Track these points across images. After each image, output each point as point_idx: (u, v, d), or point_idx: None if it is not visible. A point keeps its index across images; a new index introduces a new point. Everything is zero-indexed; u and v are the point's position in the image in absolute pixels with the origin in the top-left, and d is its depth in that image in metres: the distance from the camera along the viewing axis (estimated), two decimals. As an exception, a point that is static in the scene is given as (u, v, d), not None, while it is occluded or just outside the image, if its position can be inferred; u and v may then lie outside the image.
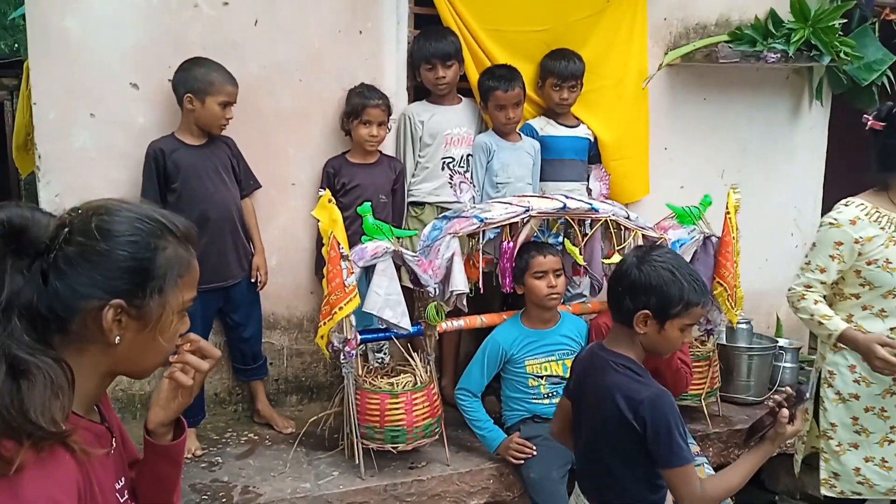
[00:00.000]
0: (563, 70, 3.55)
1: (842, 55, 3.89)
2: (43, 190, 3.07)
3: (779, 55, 3.85)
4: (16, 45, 8.49)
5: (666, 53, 3.99)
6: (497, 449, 3.09)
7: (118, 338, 1.19)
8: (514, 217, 3.04)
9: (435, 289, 3.01)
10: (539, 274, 3.06)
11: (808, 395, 2.13)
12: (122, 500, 1.30)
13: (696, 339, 3.56)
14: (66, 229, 1.16)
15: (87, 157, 3.10)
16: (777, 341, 4.09)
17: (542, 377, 3.12)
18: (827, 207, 4.70)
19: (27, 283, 1.12)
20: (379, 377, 3.12)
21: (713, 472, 2.90)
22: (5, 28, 8.75)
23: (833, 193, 4.84)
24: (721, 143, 4.27)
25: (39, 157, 3.05)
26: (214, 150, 3.15)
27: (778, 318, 4.56)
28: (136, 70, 3.11)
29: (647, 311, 1.96)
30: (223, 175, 3.15)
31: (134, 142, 3.09)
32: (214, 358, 1.36)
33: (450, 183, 3.21)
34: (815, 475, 2.89)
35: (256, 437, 3.35)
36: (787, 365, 4.06)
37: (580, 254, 3.19)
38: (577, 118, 3.75)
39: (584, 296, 3.79)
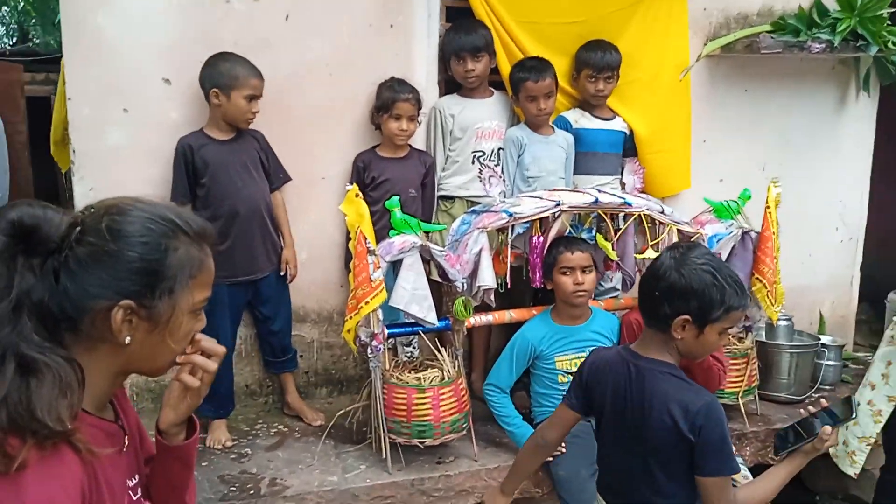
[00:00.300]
0: (598, 61, 3.49)
1: (890, 45, 3.74)
2: (77, 185, 3.13)
3: (823, 45, 3.72)
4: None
5: (705, 44, 3.89)
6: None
7: (128, 338, 1.19)
8: (544, 212, 3.00)
9: (463, 284, 2.98)
10: (566, 270, 3.02)
11: (854, 415, 2.03)
12: (134, 498, 1.31)
13: (733, 336, 3.48)
14: (78, 228, 1.17)
15: (121, 153, 3.15)
16: (819, 338, 3.97)
17: (571, 373, 3.06)
18: (874, 202, 4.60)
19: (38, 281, 1.13)
20: (407, 371, 3.12)
21: (749, 474, 2.83)
22: (54, 25, 8.97)
23: (880, 188, 4.71)
24: (763, 136, 4.16)
25: (74, 152, 3.10)
26: (243, 145, 3.17)
27: (821, 315, 4.44)
28: (169, 66, 3.15)
29: (686, 317, 1.89)
30: (251, 169, 3.16)
31: (167, 137, 3.13)
32: (220, 355, 1.35)
33: (479, 177, 3.18)
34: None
35: (286, 429, 3.37)
36: (830, 363, 3.94)
37: (613, 249, 3.12)
38: (613, 111, 3.68)
39: (617, 290, 3.73)
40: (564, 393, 2.28)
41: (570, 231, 3.14)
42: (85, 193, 3.12)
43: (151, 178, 3.16)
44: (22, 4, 9.77)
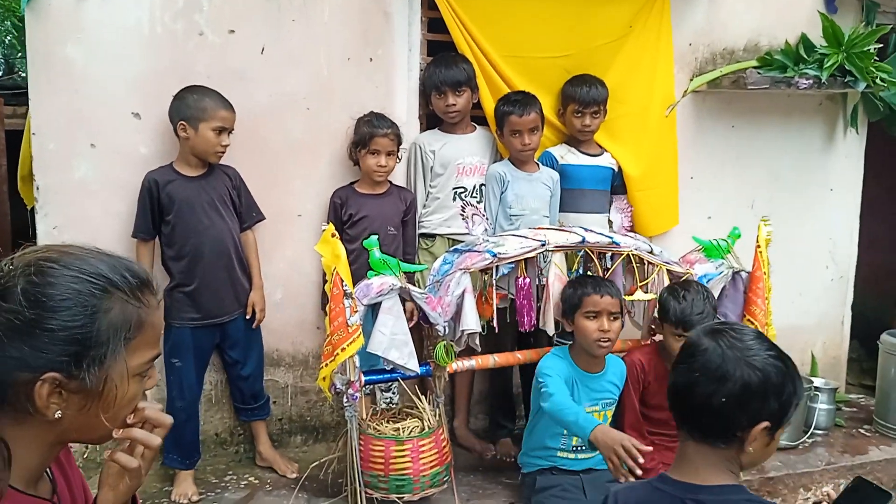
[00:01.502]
0: (584, 96, 3.40)
1: (878, 81, 3.68)
2: (41, 222, 2.97)
3: (811, 81, 3.66)
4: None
5: (691, 80, 3.82)
6: (593, 435, 2.41)
7: (58, 413, 1.05)
8: (529, 252, 2.88)
9: (445, 327, 2.85)
10: (592, 314, 2.77)
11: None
12: None
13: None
14: None
15: (88, 189, 3.01)
16: (812, 381, 3.86)
17: None
18: (863, 239, 4.53)
19: None
20: (385, 421, 2.97)
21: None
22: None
23: (870, 224, 4.65)
24: (751, 173, 4.08)
25: (38, 188, 2.96)
26: (212, 181, 3.03)
27: (813, 356, 4.33)
28: (139, 99, 3.02)
29: (767, 423, 1.43)
30: (220, 207, 3.02)
31: (135, 172, 2.99)
32: (166, 426, 1.19)
33: (462, 215, 3.07)
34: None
35: (257, 481, 3.19)
36: (823, 406, 3.83)
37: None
38: (601, 146, 3.59)
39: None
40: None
41: (570, 272, 3.01)
42: (48, 232, 2.97)
43: (119, 214, 3.02)
44: (9, 38, 9.69)
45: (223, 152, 2.99)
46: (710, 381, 1.43)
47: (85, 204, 3.02)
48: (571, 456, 2.88)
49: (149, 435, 1.17)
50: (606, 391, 2.90)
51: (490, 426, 3.64)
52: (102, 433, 1.14)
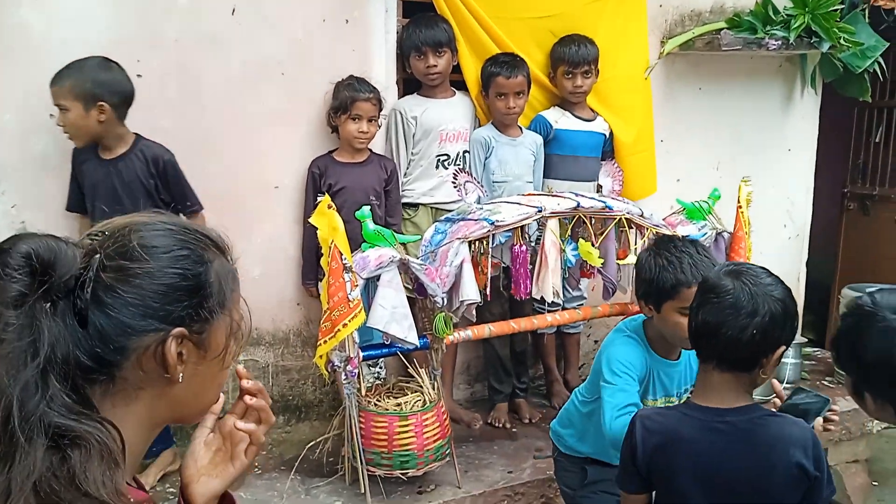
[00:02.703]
0: (573, 55, 3.33)
1: (841, 42, 3.76)
2: (-3, 201, 2.74)
3: (780, 42, 3.71)
4: None
5: (662, 42, 3.81)
6: None
7: (181, 375, 0.98)
8: (526, 219, 2.82)
9: (442, 298, 2.77)
10: (687, 310, 1.93)
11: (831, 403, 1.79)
12: None
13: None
14: (98, 255, 0.94)
15: (48, 164, 2.78)
16: (779, 337, 3.97)
17: None
18: (817, 198, 4.68)
19: (61, 331, 0.89)
20: (382, 396, 2.88)
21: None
22: None
23: (821, 184, 4.81)
24: (716, 135, 4.13)
25: (-7, 164, 2.72)
26: (125, 166, 2.71)
27: (774, 313, 4.46)
28: (104, 66, 2.79)
29: (784, 346, 1.62)
30: (127, 196, 2.69)
31: (101, 145, 2.77)
32: (264, 394, 1.16)
33: (453, 182, 2.98)
34: None
35: (246, 465, 3.06)
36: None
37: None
38: (594, 111, 3.54)
39: (584, 298, 3.63)
40: (618, 481, 1.80)
41: (562, 240, 2.93)
42: (6, 211, 2.74)
43: (83, 192, 2.80)
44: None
45: (70, 135, 2.66)
46: (742, 317, 1.56)
47: (46, 180, 2.79)
48: None
49: (262, 402, 1.13)
50: (685, 380, 2.31)
51: (488, 393, 3.62)
52: (206, 403, 1.09)
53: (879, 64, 4.15)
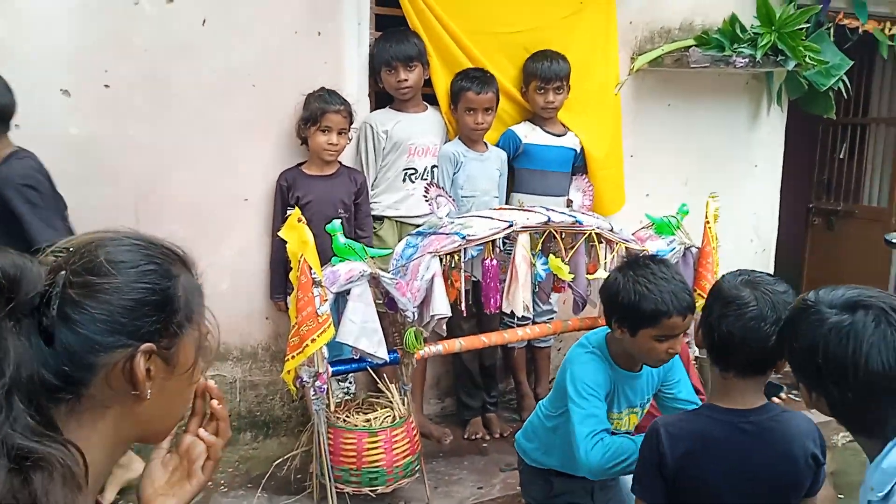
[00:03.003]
0: (546, 71, 3.34)
1: (807, 60, 3.83)
2: (-43, 214, 2.65)
3: (747, 60, 3.77)
4: None
5: (632, 58, 3.85)
6: None
7: (149, 392, 0.96)
8: (498, 233, 2.81)
9: (413, 313, 2.75)
10: (663, 338, 2.02)
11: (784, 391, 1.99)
12: None
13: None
14: (64, 271, 0.91)
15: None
16: (747, 351, 4.01)
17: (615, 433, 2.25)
18: (783, 213, 4.74)
19: (26, 350, 0.87)
20: (351, 412, 2.85)
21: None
22: None
23: (787, 199, 4.88)
24: (685, 150, 4.18)
25: (-48, 175, 2.63)
26: None
27: (742, 326, 4.50)
28: (69, 76, 2.76)
29: None
30: None
31: (65, 155, 2.72)
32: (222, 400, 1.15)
33: (425, 196, 2.96)
34: None
35: (210, 483, 2.99)
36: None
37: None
38: (565, 125, 3.56)
39: (554, 312, 3.63)
40: (636, 488, 1.79)
41: (532, 254, 2.94)
42: (-35, 224, 2.65)
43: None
44: None
45: None
46: (767, 327, 1.60)
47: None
48: None
49: (221, 408, 1.12)
50: (647, 390, 2.29)
51: (458, 408, 3.60)
52: (173, 420, 1.06)
53: (844, 82, 4.24)
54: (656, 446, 1.73)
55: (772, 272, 4.51)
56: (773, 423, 1.70)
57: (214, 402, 1.12)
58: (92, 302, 0.91)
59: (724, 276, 1.79)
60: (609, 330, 2.18)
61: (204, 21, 2.93)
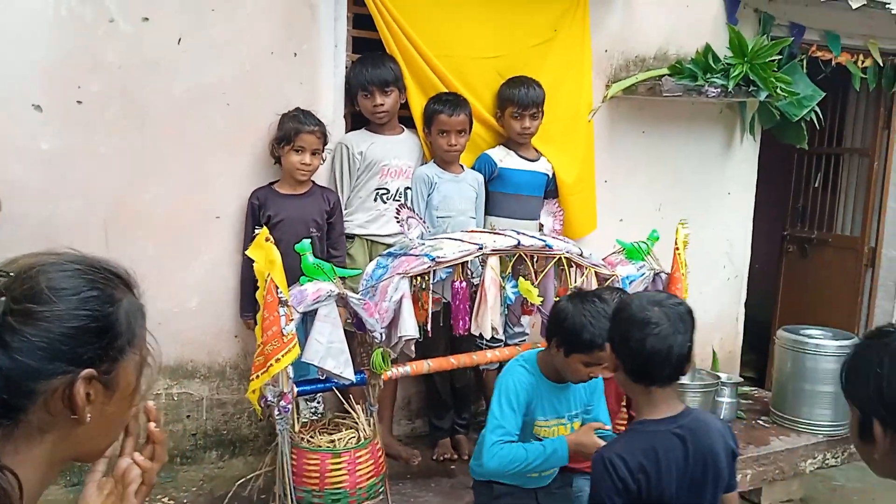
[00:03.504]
0: (522, 97, 3.38)
1: (778, 91, 3.90)
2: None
3: (718, 90, 3.83)
4: None
5: (607, 85, 3.91)
6: (574, 447, 2.33)
7: (89, 416, 0.98)
8: (467, 255, 2.83)
9: (381, 334, 2.75)
10: (592, 365, 2.34)
11: None
12: None
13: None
14: (4, 298, 0.92)
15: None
16: (719, 376, 4.04)
17: None
18: (758, 240, 4.80)
19: None
20: (317, 432, 2.84)
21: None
22: None
23: (762, 226, 4.94)
24: (658, 177, 4.23)
25: (-82, 190, 2.63)
26: None
27: (714, 352, 4.54)
28: (41, 90, 2.75)
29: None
30: None
31: (37, 171, 2.72)
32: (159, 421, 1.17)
33: (396, 218, 2.98)
34: None
35: (172, 502, 2.98)
36: (727, 400, 4.03)
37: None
38: (538, 151, 3.59)
39: (526, 334, 3.64)
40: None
41: (502, 276, 2.95)
42: None
43: (14, 219, 2.70)
44: None
45: None
46: (681, 336, 1.82)
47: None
48: (535, 475, 2.54)
49: (158, 431, 1.13)
50: (577, 403, 2.54)
51: (429, 429, 3.62)
52: (109, 441, 1.08)
53: (816, 112, 4.31)
54: (614, 474, 1.82)
55: (744, 298, 4.63)
56: (697, 424, 1.88)
57: (151, 425, 1.12)
58: (32, 329, 0.92)
59: (623, 300, 2.01)
60: (542, 350, 2.51)
61: (179, 39, 2.94)
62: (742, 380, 4.40)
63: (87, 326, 0.96)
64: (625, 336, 1.87)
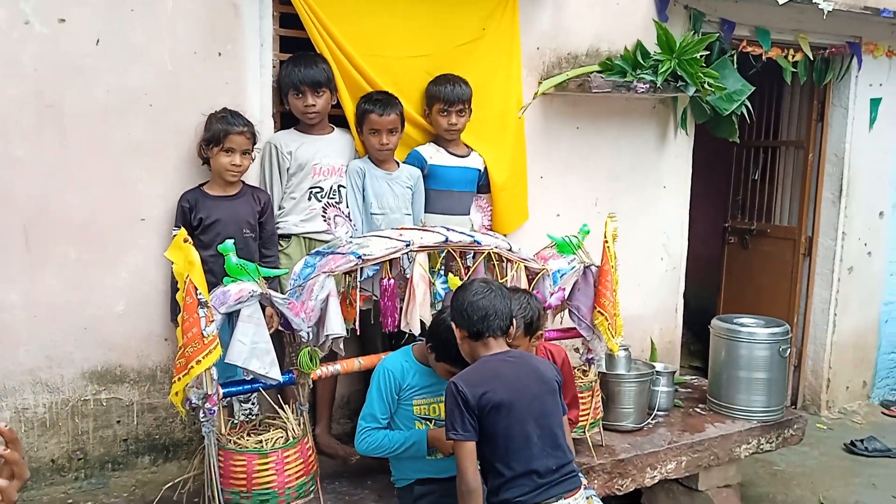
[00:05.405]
0: (448, 94, 3.42)
1: (706, 86, 3.97)
2: None
3: (647, 85, 3.89)
4: None
5: (540, 83, 3.95)
6: (431, 441, 2.74)
7: None
8: (394, 252, 2.84)
9: (308, 333, 2.75)
10: (455, 370, 2.62)
11: None
12: None
13: (577, 369, 3.49)
14: None
15: None
16: (654, 366, 4.10)
17: (429, 419, 2.83)
18: (700, 232, 4.89)
19: None
20: (246, 434, 2.82)
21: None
22: None
23: (703, 218, 5.04)
24: (594, 172, 4.28)
25: None
26: None
27: (652, 342, 4.61)
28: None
29: None
30: None
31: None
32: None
33: (323, 217, 2.98)
34: None
35: (104, 508, 2.96)
36: (664, 389, 4.08)
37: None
38: (469, 147, 3.63)
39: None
40: (453, 434, 2.36)
41: (431, 272, 2.98)
42: None
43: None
44: None
45: None
46: (503, 299, 2.51)
47: None
48: (440, 455, 2.80)
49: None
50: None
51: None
52: None
53: (747, 107, 4.41)
54: (457, 394, 2.36)
55: (682, 289, 4.71)
56: (524, 355, 2.57)
57: (1, 449, 1.10)
58: None
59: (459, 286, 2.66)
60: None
61: (98, 41, 2.91)
62: (678, 369, 4.48)
63: None
64: (460, 305, 2.48)
